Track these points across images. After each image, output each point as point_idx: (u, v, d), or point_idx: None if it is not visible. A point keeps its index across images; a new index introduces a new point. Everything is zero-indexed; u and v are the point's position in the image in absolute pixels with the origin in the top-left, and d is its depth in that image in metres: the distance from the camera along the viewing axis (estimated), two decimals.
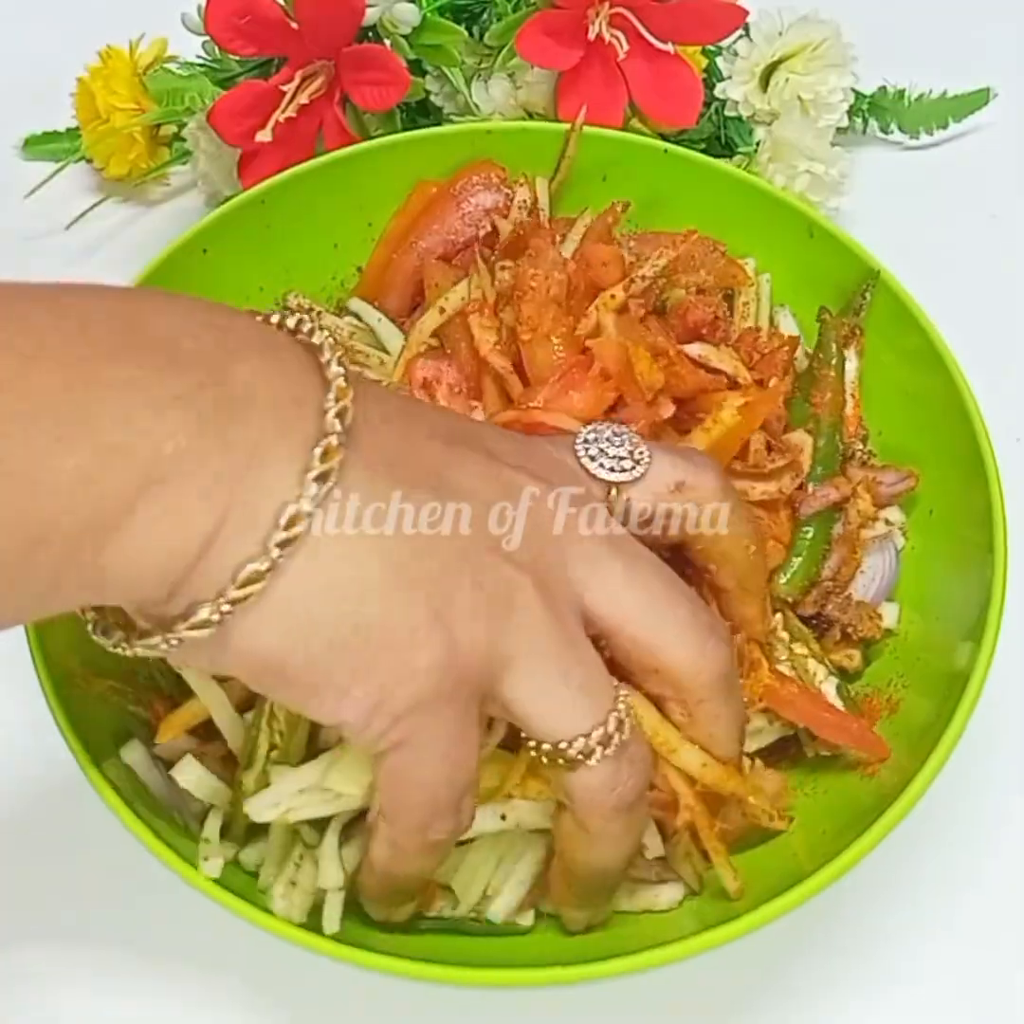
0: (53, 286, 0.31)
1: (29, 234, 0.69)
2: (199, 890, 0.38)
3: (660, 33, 0.63)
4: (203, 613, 0.31)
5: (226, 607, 0.30)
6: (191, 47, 0.65)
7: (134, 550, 0.29)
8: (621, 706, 0.35)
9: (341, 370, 0.32)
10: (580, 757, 0.34)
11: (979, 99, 0.70)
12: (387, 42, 0.63)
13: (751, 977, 0.48)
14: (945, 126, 0.72)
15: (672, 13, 0.63)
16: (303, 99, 0.61)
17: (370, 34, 0.63)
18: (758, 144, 0.67)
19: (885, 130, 0.73)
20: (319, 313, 0.56)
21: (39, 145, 0.72)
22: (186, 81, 0.65)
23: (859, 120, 0.72)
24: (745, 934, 0.37)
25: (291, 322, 0.34)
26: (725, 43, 0.68)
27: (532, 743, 0.35)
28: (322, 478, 0.31)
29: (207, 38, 0.63)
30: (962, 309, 0.55)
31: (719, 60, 0.69)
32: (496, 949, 0.42)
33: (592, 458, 0.39)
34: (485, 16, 0.66)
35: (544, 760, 0.35)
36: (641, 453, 0.39)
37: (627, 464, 0.39)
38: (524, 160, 0.58)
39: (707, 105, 0.68)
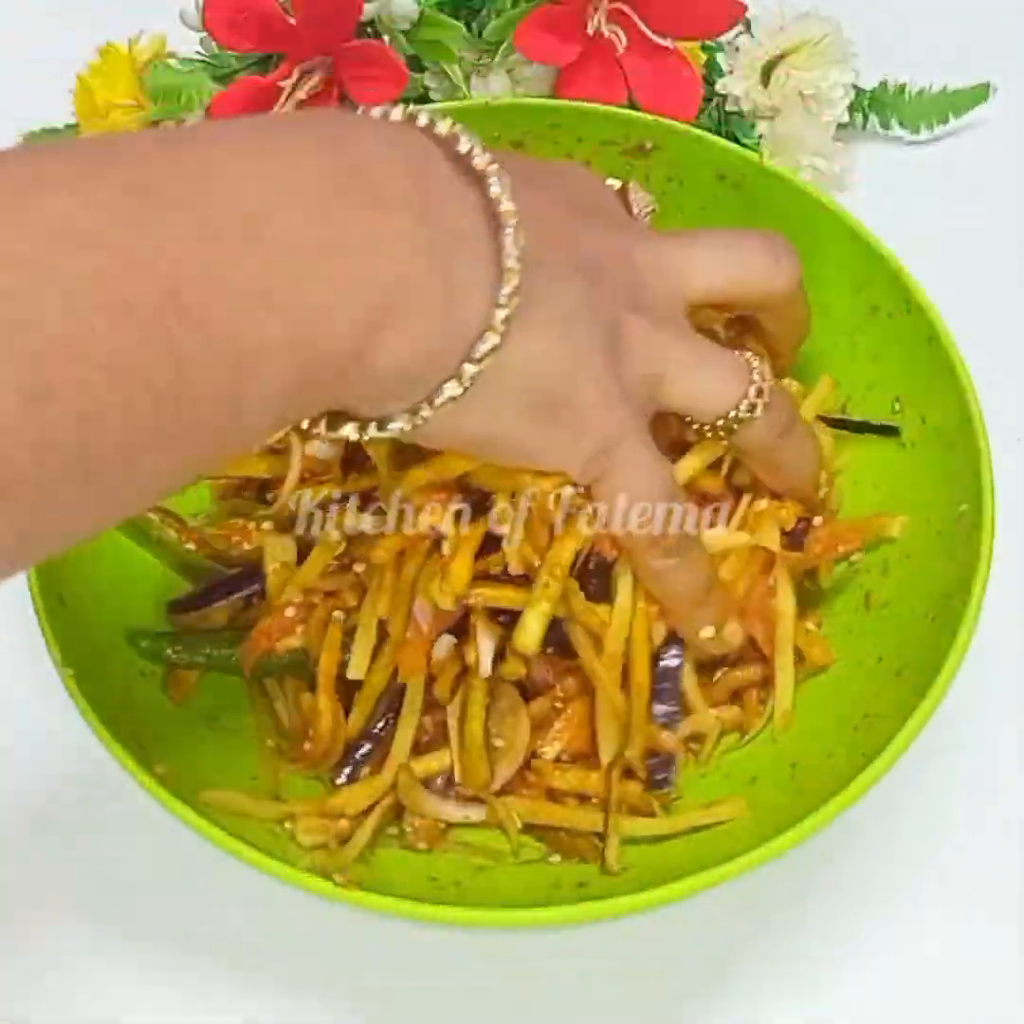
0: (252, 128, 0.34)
1: None
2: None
3: (659, 28, 0.63)
4: (399, 423, 0.36)
5: (426, 413, 0.36)
6: (189, 43, 0.65)
7: (369, 371, 0.34)
8: (755, 364, 0.43)
9: (510, 207, 0.36)
10: (747, 416, 0.43)
11: (979, 94, 0.70)
12: (385, 38, 0.63)
13: (740, 923, 0.49)
14: (946, 121, 0.71)
15: (671, 8, 0.63)
16: (301, 95, 0.61)
17: (368, 30, 0.63)
18: (759, 139, 0.67)
19: (886, 125, 0.72)
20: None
21: (38, 141, 0.72)
22: (184, 77, 0.65)
23: (860, 115, 0.71)
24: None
25: (463, 147, 0.36)
26: (725, 38, 0.68)
27: (706, 427, 0.44)
28: (507, 300, 0.35)
29: (205, 34, 0.63)
30: (962, 306, 0.54)
31: (719, 56, 0.69)
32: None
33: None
34: (484, 11, 0.65)
35: (715, 434, 0.43)
36: None
37: None
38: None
39: (708, 100, 0.68)
